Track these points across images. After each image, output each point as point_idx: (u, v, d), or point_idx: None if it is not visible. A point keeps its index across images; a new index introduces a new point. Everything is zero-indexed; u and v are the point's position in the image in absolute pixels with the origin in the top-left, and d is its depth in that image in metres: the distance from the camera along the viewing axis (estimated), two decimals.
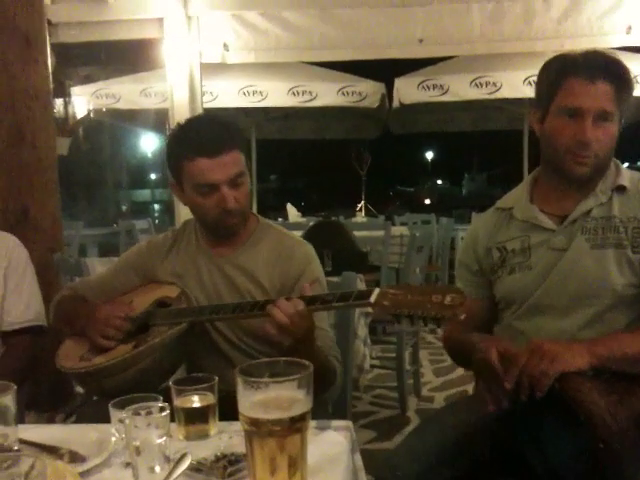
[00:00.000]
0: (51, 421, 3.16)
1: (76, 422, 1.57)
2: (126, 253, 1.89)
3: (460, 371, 4.19)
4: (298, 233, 2.21)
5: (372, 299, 1.28)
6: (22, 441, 1.03)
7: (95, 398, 1.88)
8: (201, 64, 5.33)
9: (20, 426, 0.99)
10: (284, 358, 0.98)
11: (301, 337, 1.37)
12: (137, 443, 0.95)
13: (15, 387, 0.88)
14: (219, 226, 1.67)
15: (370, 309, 3.19)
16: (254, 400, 0.90)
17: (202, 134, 1.60)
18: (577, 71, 1.48)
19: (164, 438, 0.97)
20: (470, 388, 3.92)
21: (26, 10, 2.95)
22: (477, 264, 1.68)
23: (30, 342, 1.80)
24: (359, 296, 1.32)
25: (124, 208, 18.29)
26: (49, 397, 3.14)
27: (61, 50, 5.01)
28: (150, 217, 9.19)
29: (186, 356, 1.70)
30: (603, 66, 1.48)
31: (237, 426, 1.16)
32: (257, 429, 0.90)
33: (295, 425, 0.90)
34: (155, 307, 1.65)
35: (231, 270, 1.70)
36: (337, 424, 1.16)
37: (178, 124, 1.69)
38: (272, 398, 0.89)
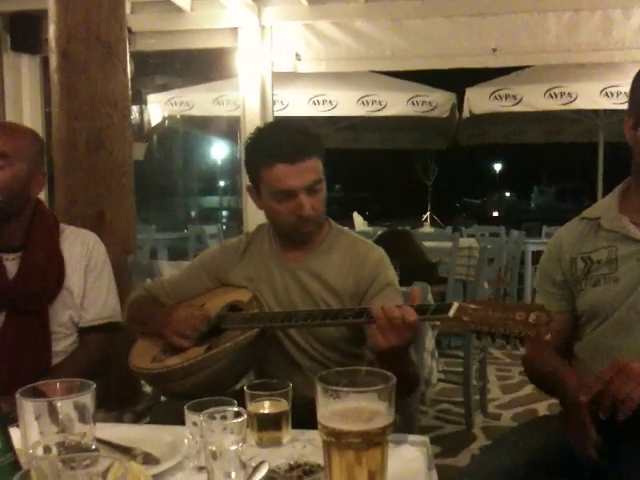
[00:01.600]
0: (119, 420, 3.23)
1: (151, 421, 1.59)
2: (199, 256, 1.91)
3: (528, 389, 4.08)
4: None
5: (451, 314, 1.24)
6: (97, 440, 1.05)
7: (163, 399, 1.91)
8: (273, 73, 5.41)
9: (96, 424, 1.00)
10: (365, 368, 0.96)
11: (402, 346, 1.31)
12: (213, 448, 0.95)
13: (94, 385, 0.89)
14: (294, 232, 1.67)
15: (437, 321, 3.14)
16: (333, 409, 0.88)
17: (281, 140, 1.60)
18: None
19: (241, 444, 0.96)
20: (538, 407, 3.81)
21: (108, 19, 3.03)
22: (562, 275, 1.61)
23: (105, 339, 1.84)
24: (437, 310, 1.28)
25: (193, 214, 18.66)
26: (118, 396, 3.21)
27: (138, 59, 5.17)
28: (218, 223, 9.35)
29: (255, 362, 1.70)
30: None
31: (310, 435, 1.16)
32: (336, 440, 0.88)
33: (375, 438, 0.87)
34: (227, 310, 1.66)
35: (304, 275, 1.70)
36: (413, 439, 1.13)
37: (257, 129, 1.69)
38: (352, 409, 0.87)
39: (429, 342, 2.84)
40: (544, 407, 3.78)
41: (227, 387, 1.62)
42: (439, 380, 3.73)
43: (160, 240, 7.08)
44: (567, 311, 1.60)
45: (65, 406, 0.81)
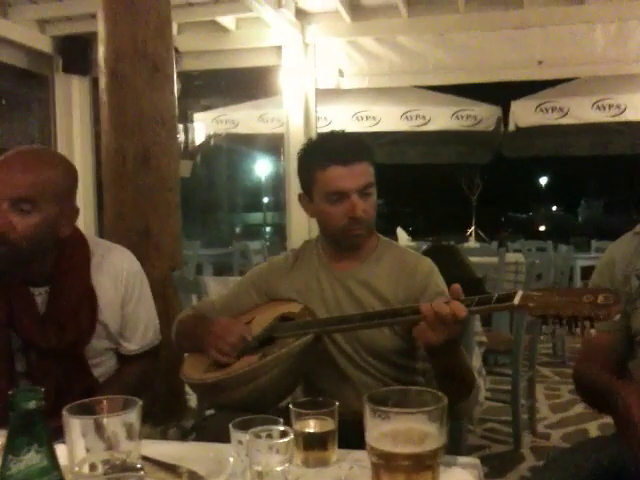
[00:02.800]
0: (164, 435, 3.25)
1: (197, 437, 1.58)
2: (247, 273, 1.92)
3: (578, 408, 3.96)
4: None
5: (516, 301, 1.23)
6: (143, 457, 1.05)
7: (208, 413, 1.91)
8: (316, 90, 5.45)
9: (142, 441, 0.99)
10: (415, 387, 0.94)
11: (451, 336, 1.31)
12: (259, 468, 0.94)
13: (140, 403, 0.89)
14: (346, 236, 1.67)
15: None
16: (383, 431, 0.86)
17: (335, 144, 1.67)
18: None
19: (287, 464, 0.95)
20: (589, 426, 3.70)
21: (156, 38, 3.10)
22: None
23: (147, 363, 1.79)
24: (501, 299, 1.27)
25: (238, 230, 18.85)
26: (163, 411, 3.24)
27: (185, 81, 5.27)
28: (263, 239, 9.42)
29: (304, 375, 1.69)
30: None
31: (357, 455, 1.13)
32: (385, 462, 0.86)
33: (427, 461, 0.85)
34: (279, 321, 1.66)
35: (354, 284, 1.70)
36: (464, 461, 1.10)
37: (309, 138, 1.77)
38: (402, 430, 0.85)
39: (476, 360, 2.78)
40: (595, 427, 3.67)
41: (277, 400, 1.62)
42: (486, 398, 3.65)
43: (205, 256, 7.15)
44: (620, 329, 1.54)
45: (111, 423, 0.81)
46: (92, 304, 1.61)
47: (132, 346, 1.74)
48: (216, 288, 2.96)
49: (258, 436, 0.98)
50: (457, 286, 1.34)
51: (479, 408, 3.16)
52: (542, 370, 4.91)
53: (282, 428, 1.00)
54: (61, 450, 0.84)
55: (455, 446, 1.92)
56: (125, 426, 0.82)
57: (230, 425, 1.06)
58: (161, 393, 3.12)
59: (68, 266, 1.60)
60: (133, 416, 0.83)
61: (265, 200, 21.70)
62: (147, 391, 1.80)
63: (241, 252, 6.84)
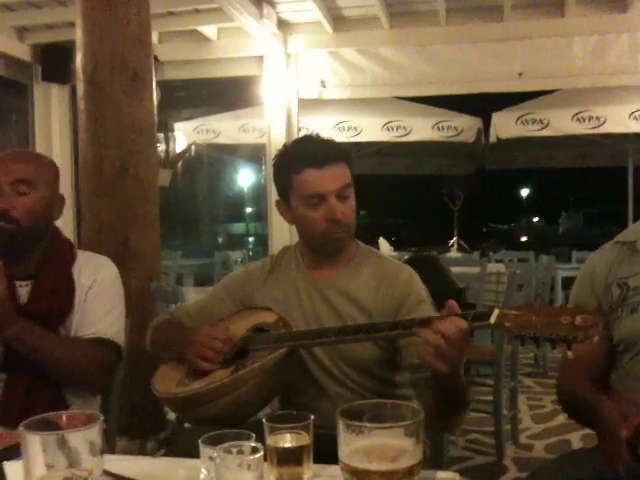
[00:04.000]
0: (142, 448, 3.20)
1: (167, 452, 1.54)
2: (223, 280, 1.88)
3: (561, 418, 3.96)
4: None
5: (492, 320, 1.19)
6: (108, 473, 1.01)
7: (186, 425, 1.87)
8: (298, 100, 5.44)
9: (108, 456, 0.96)
10: (391, 400, 0.90)
11: (459, 360, 1.25)
12: None
13: (102, 417, 0.85)
14: (326, 240, 1.64)
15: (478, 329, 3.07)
16: (356, 447, 0.82)
17: (309, 147, 1.65)
18: None
19: None
20: (572, 437, 3.69)
21: (135, 47, 3.07)
22: (596, 301, 1.54)
23: (101, 356, 1.73)
24: (477, 317, 1.23)
25: (220, 240, 18.76)
26: (141, 424, 3.19)
27: (166, 91, 5.24)
28: (245, 249, 9.37)
29: (281, 387, 1.65)
30: None
31: (332, 470, 1.10)
32: None
33: (402, 479, 0.81)
34: (253, 332, 1.62)
35: (332, 294, 1.66)
36: (442, 476, 1.07)
37: (284, 145, 1.73)
38: (376, 446, 0.81)
39: None
40: (578, 437, 3.66)
41: (253, 413, 1.58)
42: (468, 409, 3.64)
43: (186, 266, 7.10)
44: (602, 339, 1.52)
45: (72, 439, 0.77)
46: (69, 292, 1.75)
47: (81, 331, 1.73)
48: (195, 299, 2.92)
49: (229, 452, 0.95)
50: (452, 302, 1.27)
51: None
52: (524, 380, 4.91)
53: (253, 444, 0.96)
54: (17, 467, 0.80)
55: (437, 458, 1.90)
56: (87, 442, 0.78)
57: (200, 440, 1.02)
58: (138, 406, 3.07)
59: (53, 261, 1.76)
60: (94, 432, 0.79)
61: (248, 210, 21.65)
62: (102, 379, 1.77)
63: (222, 262, 6.79)
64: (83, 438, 0.78)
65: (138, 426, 3.16)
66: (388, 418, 0.84)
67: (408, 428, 0.82)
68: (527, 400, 4.48)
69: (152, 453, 3.16)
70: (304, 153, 1.63)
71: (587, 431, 3.51)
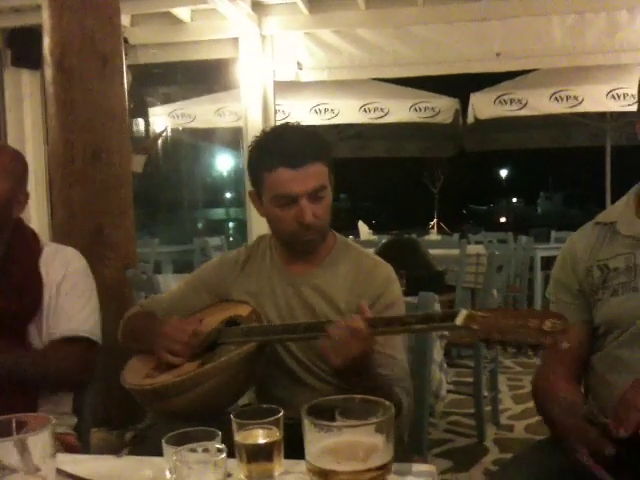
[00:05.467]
0: (121, 439, 3.16)
1: (133, 449, 1.50)
2: (197, 270, 1.83)
3: None
4: (370, 251, 2.12)
5: (458, 322, 1.17)
6: (68, 475, 0.98)
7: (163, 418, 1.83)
8: (274, 82, 5.37)
9: (74, 456, 0.92)
10: (360, 396, 0.86)
11: (355, 359, 1.29)
12: None
13: (53, 421, 0.81)
14: (295, 241, 1.59)
15: (446, 332, 3.05)
16: (323, 446, 0.76)
17: (285, 144, 1.53)
18: None
19: None
20: None
21: (104, 30, 2.99)
22: (577, 284, 1.50)
23: (79, 353, 1.71)
24: (443, 318, 1.22)
25: (200, 226, 18.63)
26: (119, 415, 3.14)
27: (142, 69, 5.14)
28: (225, 235, 9.30)
29: (256, 379, 1.62)
30: None
31: (304, 466, 1.07)
32: None
33: (373, 479, 0.77)
34: (225, 325, 1.59)
35: (307, 290, 1.62)
36: (418, 469, 1.03)
37: (263, 131, 1.61)
38: (345, 445, 0.76)
39: (437, 354, 2.76)
40: None
41: (226, 406, 1.55)
42: (448, 391, 3.64)
43: (164, 253, 7.02)
44: (584, 322, 1.49)
45: (26, 442, 0.73)
46: (37, 287, 1.70)
47: (57, 330, 1.70)
48: (172, 286, 2.88)
49: (194, 450, 0.91)
50: (364, 303, 1.37)
51: (441, 403, 3.14)
52: (504, 361, 4.93)
53: (218, 445, 0.92)
54: None
55: (417, 441, 1.88)
56: (39, 445, 0.74)
57: (163, 440, 0.98)
58: (116, 397, 3.03)
59: (17, 253, 1.72)
60: (45, 436, 0.75)
61: (227, 195, 21.52)
62: (83, 377, 1.76)
63: (201, 249, 6.72)
64: (34, 441, 0.74)
65: (116, 417, 3.12)
66: (357, 413, 0.80)
67: (378, 425, 0.78)
68: (507, 380, 4.51)
69: (131, 445, 3.13)
70: (278, 150, 1.52)
71: None
